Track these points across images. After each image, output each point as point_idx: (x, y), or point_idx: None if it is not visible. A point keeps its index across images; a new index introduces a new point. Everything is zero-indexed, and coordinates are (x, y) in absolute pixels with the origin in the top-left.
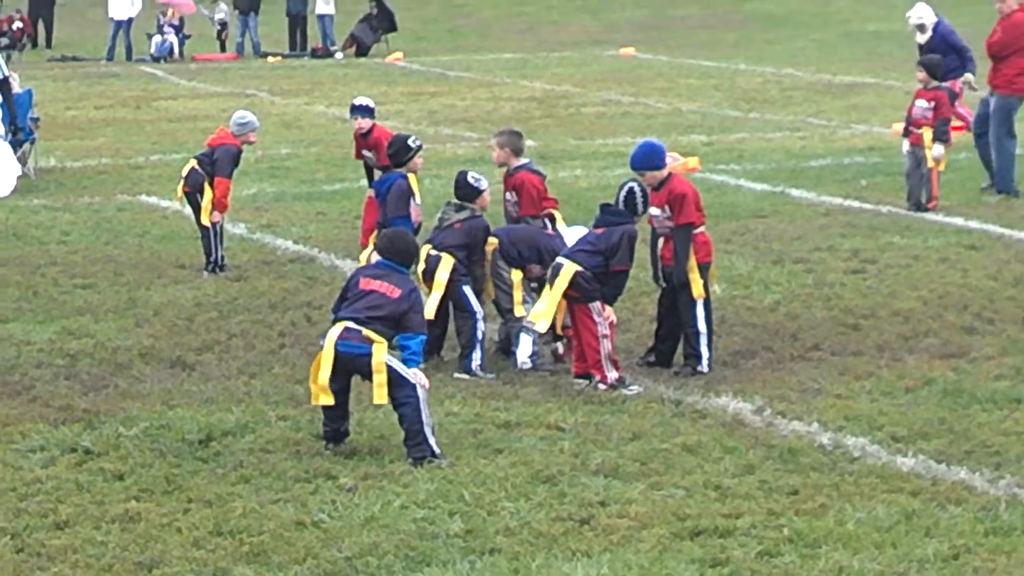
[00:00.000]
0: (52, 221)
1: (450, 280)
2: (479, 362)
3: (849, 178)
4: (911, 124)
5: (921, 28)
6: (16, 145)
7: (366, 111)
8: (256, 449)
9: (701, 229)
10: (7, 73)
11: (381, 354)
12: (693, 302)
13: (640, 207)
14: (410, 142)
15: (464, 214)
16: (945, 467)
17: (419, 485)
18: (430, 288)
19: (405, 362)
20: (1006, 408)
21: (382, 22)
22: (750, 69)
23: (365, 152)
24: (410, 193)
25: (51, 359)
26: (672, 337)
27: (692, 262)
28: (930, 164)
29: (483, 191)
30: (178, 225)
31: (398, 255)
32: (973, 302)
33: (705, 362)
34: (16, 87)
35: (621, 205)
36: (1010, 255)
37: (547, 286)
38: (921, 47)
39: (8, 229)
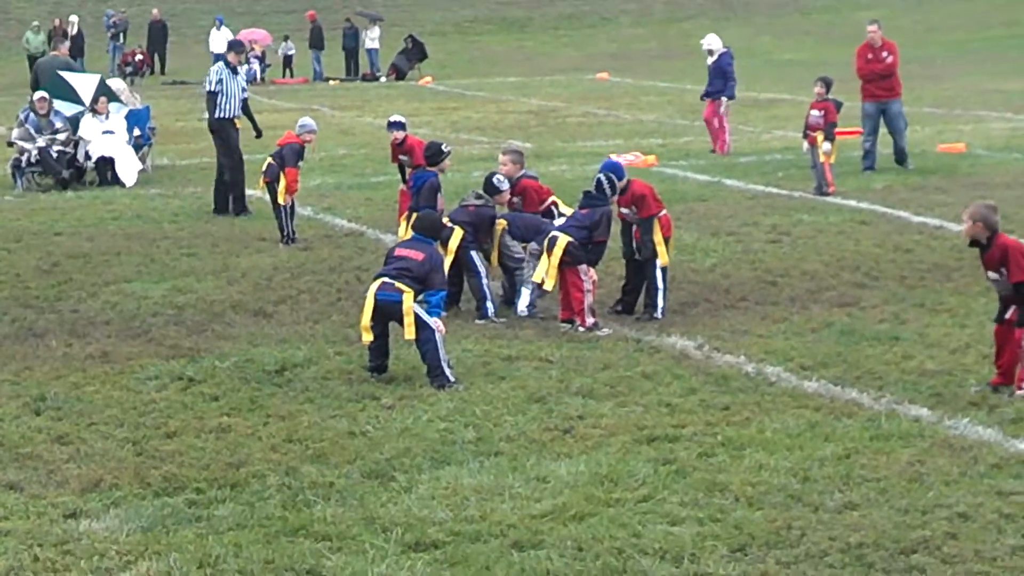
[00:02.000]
0: (165, 206)
1: (459, 247)
2: (494, 310)
3: (769, 171)
4: (808, 128)
5: (710, 52)
6: (138, 148)
7: (400, 126)
8: (319, 377)
9: (664, 212)
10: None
11: (409, 301)
12: (656, 266)
13: (609, 191)
14: (443, 147)
15: (480, 201)
16: (840, 389)
17: (442, 404)
18: (446, 251)
19: (429, 313)
20: (887, 344)
21: (416, 54)
22: (695, 88)
23: (401, 157)
24: (438, 189)
25: (163, 310)
26: (635, 291)
27: (659, 236)
28: (821, 159)
29: (503, 191)
30: (260, 208)
31: (426, 230)
32: (863, 264)
33: (660, 310)
34: (137, 104)
35: (595, 191)
36: (891, 228)
37: (545, 254)
38: (709, 67)
39: (132, 212)
